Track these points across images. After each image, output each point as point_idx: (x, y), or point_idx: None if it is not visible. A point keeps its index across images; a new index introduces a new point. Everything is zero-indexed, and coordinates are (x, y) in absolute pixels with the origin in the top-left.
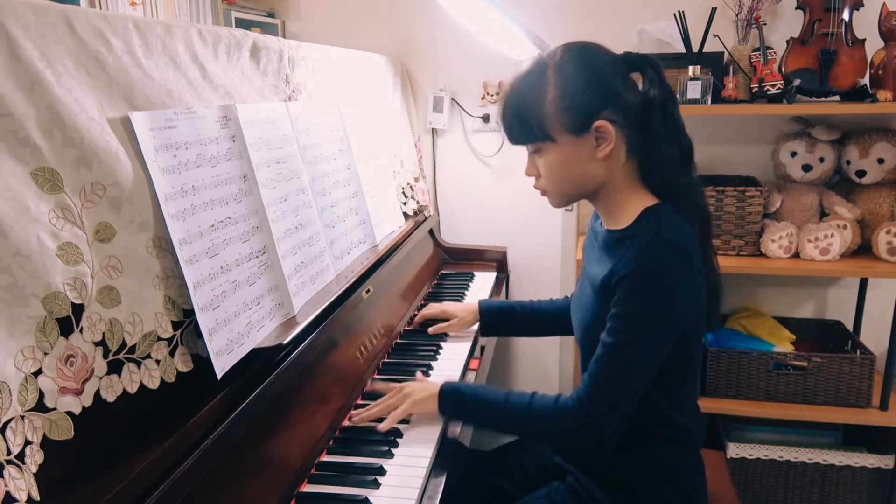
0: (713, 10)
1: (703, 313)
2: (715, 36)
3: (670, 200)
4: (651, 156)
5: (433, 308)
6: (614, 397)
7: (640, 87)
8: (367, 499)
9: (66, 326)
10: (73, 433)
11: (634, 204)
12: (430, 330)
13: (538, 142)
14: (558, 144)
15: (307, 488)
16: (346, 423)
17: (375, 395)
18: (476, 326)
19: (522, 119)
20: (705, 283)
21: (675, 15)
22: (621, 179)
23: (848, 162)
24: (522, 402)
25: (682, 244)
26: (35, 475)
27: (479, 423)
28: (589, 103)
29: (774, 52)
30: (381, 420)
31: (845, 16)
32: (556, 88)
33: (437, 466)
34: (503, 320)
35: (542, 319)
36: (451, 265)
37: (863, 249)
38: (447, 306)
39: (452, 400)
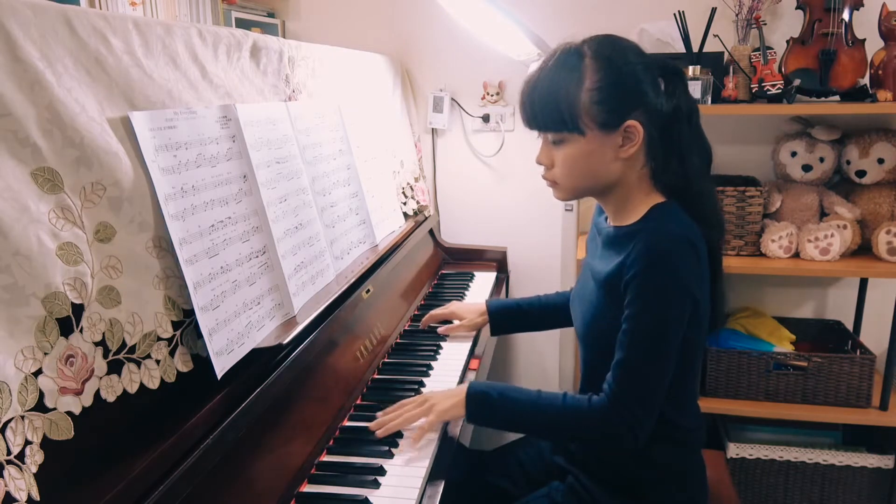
0: (713, 10)
1: (706, 312)
2: (715, 36)
3: (682, 201)
4: (672, 163)
5: (442, 309)
6: (643, 390)
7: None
8: (367, 499)
9: (66, 326)
10: (73, 433)
11: (643, 202)
12: (440, 330)
13: (565, 132)
14: (585, 138)
15: (307, 488)
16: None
17: (369, 408)
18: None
19: (553, 105)
20: (711, 284)
21: (675, 15)
22: (635, 180)
23: (848, 162)
24: (555, 401)
25: (689, 237)
26: (35, 475)
27: (507, 425)
28: (624, 101)
29: (774, 52)
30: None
31: (845, 16)
32: (593, 79)
33: (437, 466)
34: (512, 318)
35: (550, 313)
36: (451, 265)
37: (863, 249)
38: (455, 307)
39: (480, 402)
